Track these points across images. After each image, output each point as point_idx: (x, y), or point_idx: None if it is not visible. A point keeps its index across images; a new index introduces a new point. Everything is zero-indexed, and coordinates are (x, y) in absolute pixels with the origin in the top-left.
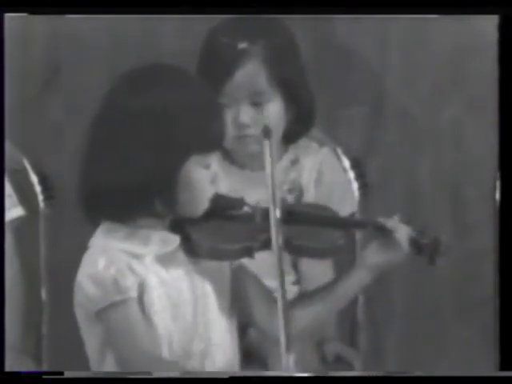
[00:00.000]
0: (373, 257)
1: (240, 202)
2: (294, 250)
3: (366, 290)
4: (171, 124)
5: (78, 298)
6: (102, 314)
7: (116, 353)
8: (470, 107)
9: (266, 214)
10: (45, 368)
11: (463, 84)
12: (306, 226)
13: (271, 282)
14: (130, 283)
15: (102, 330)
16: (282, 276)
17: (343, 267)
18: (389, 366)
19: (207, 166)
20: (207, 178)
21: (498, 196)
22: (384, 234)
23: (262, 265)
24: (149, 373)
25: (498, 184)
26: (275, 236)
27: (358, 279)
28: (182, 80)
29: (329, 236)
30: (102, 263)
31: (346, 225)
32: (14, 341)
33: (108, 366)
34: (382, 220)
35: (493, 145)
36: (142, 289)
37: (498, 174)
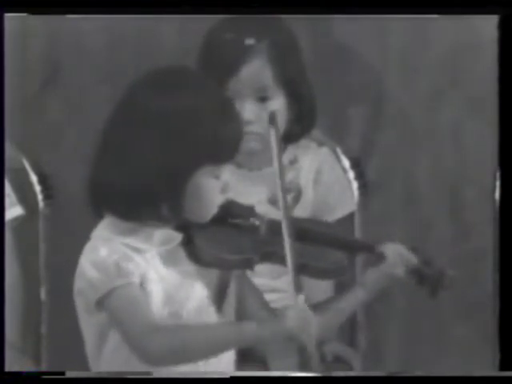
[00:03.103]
0: (370, 276)
1: (249, 211)
2: (298, 268)
3: None
4: (188, 131)
5: (80, 286)
6: (104, 301)
7: (124, 334)
8: (469, 107)
9: (271, 226)
10: (44, 368)
11: (463, 84)
12: (311, 244)
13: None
14: (133, 268)
15: (101, 320)
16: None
17: (343, 281)
18: (388, 366)
19: (218, 177)
20: (217, 188)
21: (497, 196)
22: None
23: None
24: (148, 373)
25: (497, 184)
26: (289, 249)
27: (354, 298)
28: (206, 88)
29: (333, 256)
30: (104, 251)
31: (352, 248)
32: (14, 340)
33: (105, 358)
34: (386, 246)
35: (493, 145)
36: (142, 279)
37: (498, 174)
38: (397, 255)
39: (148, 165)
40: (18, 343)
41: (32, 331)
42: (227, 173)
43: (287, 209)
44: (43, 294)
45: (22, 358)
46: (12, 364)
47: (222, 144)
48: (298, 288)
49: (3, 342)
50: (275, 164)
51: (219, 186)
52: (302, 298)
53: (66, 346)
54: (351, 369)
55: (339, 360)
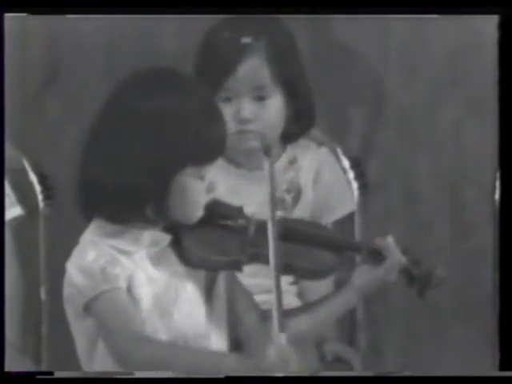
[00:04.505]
0: (361, 279)
1: (238, 212)
2: (284, 268)
3: None
4: (171, 132)
5: (68, 291)
6: (91, 305)
7: (108, 340)
8: (469, 107)
9: (260, 227)
10: (44, 368)
11: (463, 84)
12: (299, 245)
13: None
14: (119, 272)
15: (90, 325)
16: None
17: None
18: (388, 365)
19: (202, 177)
20: (202, 189)
21: (497, 196)
22: (376, 259)
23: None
24: (134, 373)
25: (497, 184)
26: (272, 248)
27: (344, 300)
28: (192, 89)
29: (321, 257)
30: (91, 255)
31: (340, 247)
32: (14, 340)
33: (97, 363)
34: (376, 243)
35: (493, 145)
36: (130, 282)
37: (497, 174)
38: (394, 259)
39: (133, 166)
40: (18, 343)
41: (32, 331)
42: (215, 172)
43: (274, 215)
44: (43, 294)
45: (22, 358)
46: (12, 364)
47: (206, 145)
48: (279, 292)
49: (3, 342)
50: (269, 193)
51: (204, 187)
52: (283, 337)
53: (66, 346)
54: (351, 368)
55: (339, 360)
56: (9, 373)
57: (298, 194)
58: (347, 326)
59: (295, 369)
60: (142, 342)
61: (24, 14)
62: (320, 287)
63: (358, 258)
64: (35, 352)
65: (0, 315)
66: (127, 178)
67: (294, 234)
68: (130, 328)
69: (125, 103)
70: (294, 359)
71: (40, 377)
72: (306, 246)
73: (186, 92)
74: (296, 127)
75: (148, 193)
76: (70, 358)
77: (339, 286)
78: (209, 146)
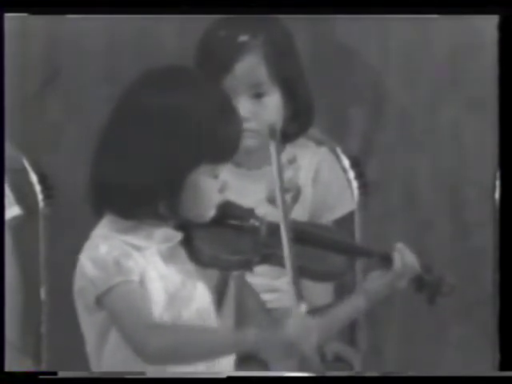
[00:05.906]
0: (373, 285)
1: (249, 213)
2: (296, 270)
3: None
4: (187, 129)
5: (80, 284)
6: (103, 298)
7: (123, 332)
8: (469, 107)
9: (271, 228)
10: (44, 368)
11: (463, 84)
12: (311, 247)
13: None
14: (133, 265)
15: (101, 319)
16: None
17: (343, 284)
18: (388, 365)
19: (216, 176)
20: (215, 188)
21: (497, 196)
22: (387, 265)
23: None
24: (144, 373)
25: (497, 184)
26: (288, 252)
27: (354, 305)
28: (205, 87)
29: (332, 260)
30: (103, 248)
31: (351, 252)
32: (14, 340)
33: (106, 358)
34: (388, 251)
35: (493, 145)
36: (142, 278)
37: (498, 174)
38: (404, 265)
39: (146, 163)
40: (18, 343)
41: (32, 331)
42: (226, 172)
43: (286, 214)
44: (43, 294)
45: (22, 358)
46: (12, 364)
47: (221, 143)
48: (299, 291)
49: (3, 342)
50: (275, 177)
51: (217, 186)
52: (303, 306)
53: (66, 345)
54: (351, 368)
55: (339, 359)
56: (9, 373)
57: (297, 194)
58: (347, 326)
59: (315, 339)
60: (158, 329)
61: (24, 14)
62: (320, 288)
63: (358, 262)
64: (35, 352)
65: (0, 315)
66: (141, 174)
67: (306, 237)
68: (144, 317)
69: (138, 101)
70: (314, 327)
71: (41, 377)
72: (317, 248)
73: (201, 90)
74: (294, 126)
75: (161, 190)
76: (70, 357)
77: (340, 288)
78: (224, 144)
